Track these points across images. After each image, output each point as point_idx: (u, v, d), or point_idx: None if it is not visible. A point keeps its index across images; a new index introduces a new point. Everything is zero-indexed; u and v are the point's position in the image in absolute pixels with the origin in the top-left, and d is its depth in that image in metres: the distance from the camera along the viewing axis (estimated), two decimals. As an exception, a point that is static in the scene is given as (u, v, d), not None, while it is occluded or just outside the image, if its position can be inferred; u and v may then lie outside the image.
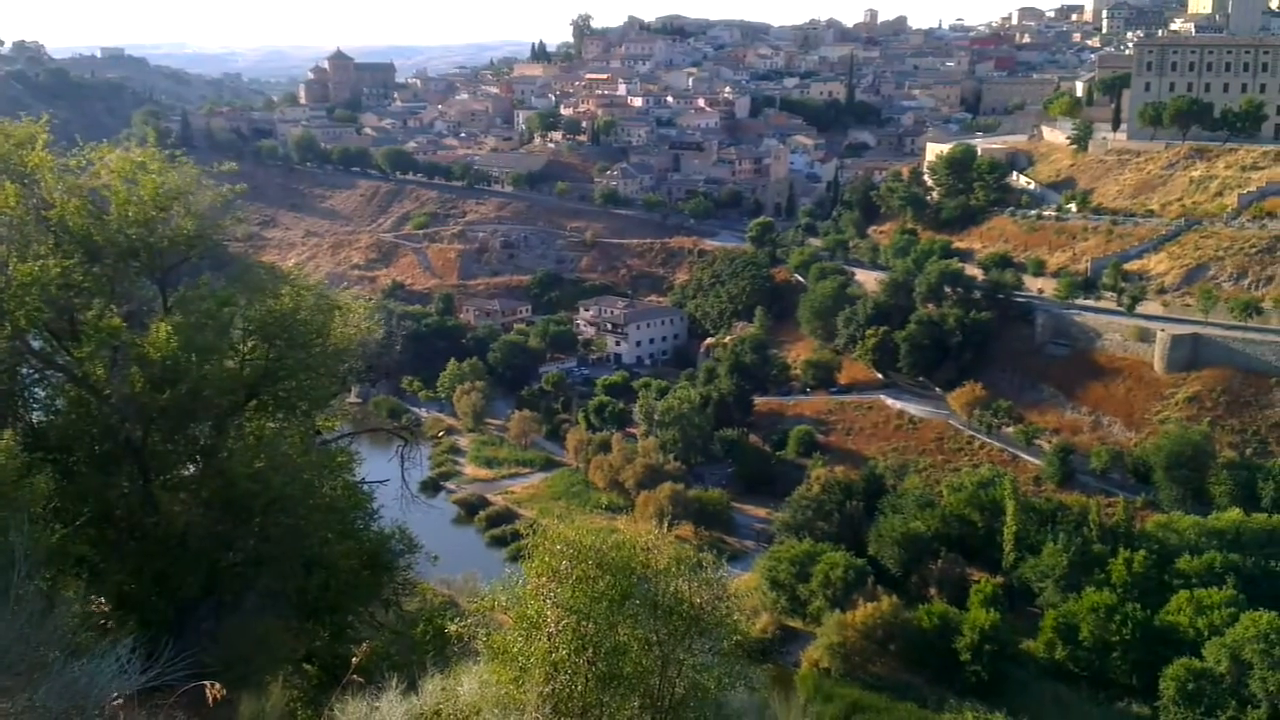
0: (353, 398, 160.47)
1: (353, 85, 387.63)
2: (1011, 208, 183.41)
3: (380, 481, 28.32)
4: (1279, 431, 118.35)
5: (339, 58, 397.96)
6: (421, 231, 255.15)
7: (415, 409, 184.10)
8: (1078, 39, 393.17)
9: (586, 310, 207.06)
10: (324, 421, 28.77)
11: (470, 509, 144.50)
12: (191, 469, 24.72)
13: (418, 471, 34.39)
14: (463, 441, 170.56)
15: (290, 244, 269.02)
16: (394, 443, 33.02)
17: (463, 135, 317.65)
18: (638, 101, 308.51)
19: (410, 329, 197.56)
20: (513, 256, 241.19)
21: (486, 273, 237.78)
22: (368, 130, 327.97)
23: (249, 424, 25.06)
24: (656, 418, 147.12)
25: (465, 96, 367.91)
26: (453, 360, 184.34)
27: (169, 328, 22.29)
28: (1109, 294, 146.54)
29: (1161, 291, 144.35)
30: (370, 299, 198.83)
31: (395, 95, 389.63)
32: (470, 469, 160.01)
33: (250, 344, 24.52)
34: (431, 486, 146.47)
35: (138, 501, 23.16)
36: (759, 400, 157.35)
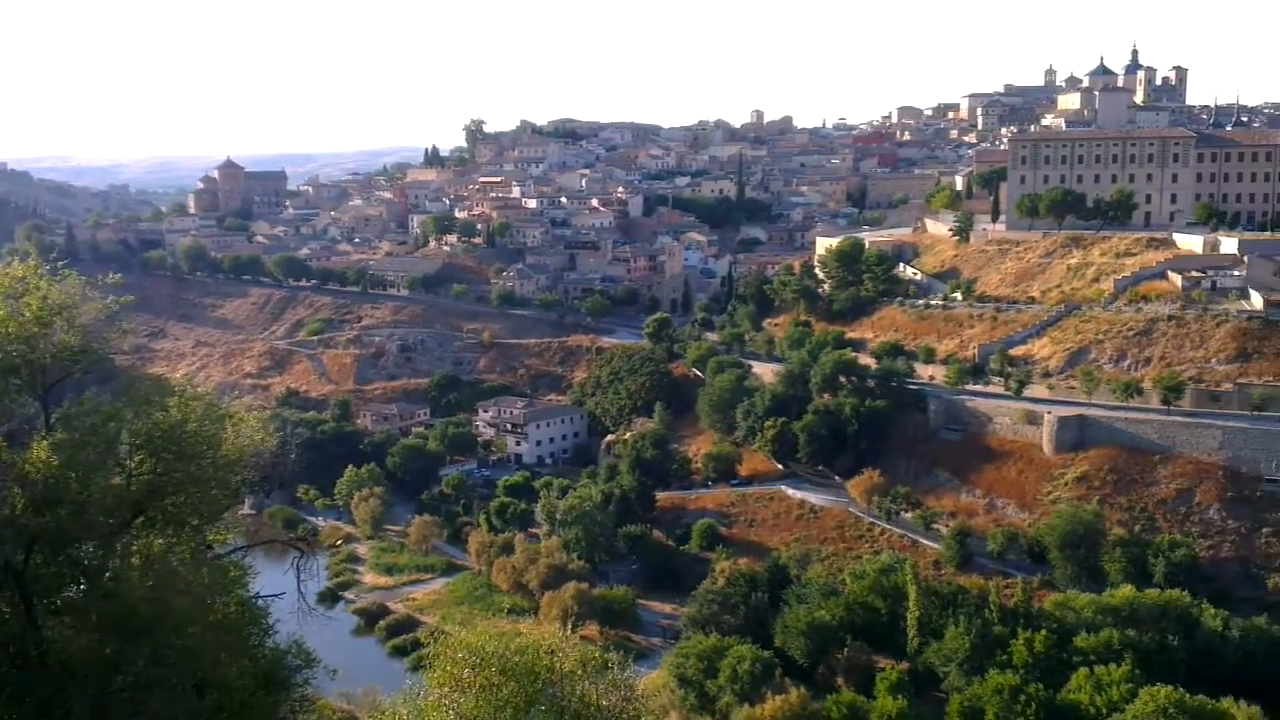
0: (246, 509, 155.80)
1: (243, 193, 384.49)
2: (900, 298, 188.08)
3: (276, 595, 27.62)
4: (1165, 508, 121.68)
5: (229, 166, 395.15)
6: (316, 338, 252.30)
7: (312, 518, 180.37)
8: (955, 135, 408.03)
9: (486, 411, 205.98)
10: (216, 536, 28.05)
11: (370, 618, 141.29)
12: (77, 591, 23.87)
13: (315, 583, 33.63)
14: (362, 549, 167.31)
15: (180, 355, 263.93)
16: (290, 554, 32.31)
17: (357, 240, 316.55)
18: (532, 203, 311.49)
19: (306, 437, 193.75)
20: (410, 360, 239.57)
21: (384, 377, 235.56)
22: (259, 238, 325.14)
23: (137, 542, 24.35)
24: (559, 517, 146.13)
25: (359, 202, 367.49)
26: (350, 467, 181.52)
27: (50, 445, 21.69)
28: (997, 379, 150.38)
29: (1046, 375, 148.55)
30: (263, 408, 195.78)
31: (287, 202, 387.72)
32: (370, 577, 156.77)
33: (137, 459, 23.93)
34: (330, 597, 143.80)
35: (19, 628, 22.26)
36: (661, 495, 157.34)
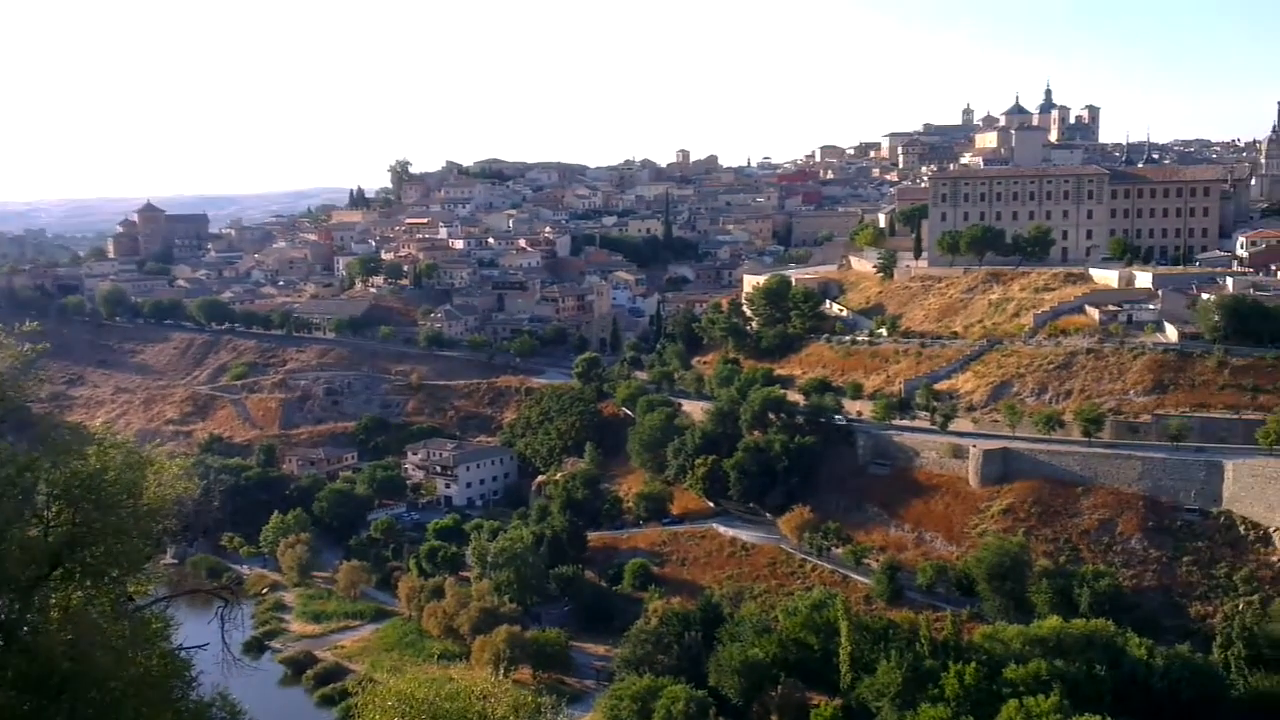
0: (168, 559, 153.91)
1: (164, 237, 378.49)
2: (827, 334, 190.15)
3: (199, 646, 27.02)
4: (1089, 538, 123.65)
5: (149, 210, 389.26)
6: (240, 382, 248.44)
7: (237, 566, 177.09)
8: (877, 174, 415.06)
9: (414, 454, 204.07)
10: (137, 587, 27.40)
11: (298, 667, 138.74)
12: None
13: (240, 632, 32.99)
14: (288, 597, 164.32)
15: (99, 402, 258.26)
16: (214, 604, 31.65)
17: (281, 283, 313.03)
18: (459, 244, 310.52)
19: (230, 483, 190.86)
20: (336, 403, 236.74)
21: (310, 421, 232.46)
22: (181, 282, 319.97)
23: (55, 595, 23.71)
24: (490, 559, 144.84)
25: (283, 244, 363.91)
26: (276, 513, 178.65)
27: (-36, 499, 21.11)
28: (923, 413, 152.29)
29: (971, 409, 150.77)
30: (186, 454, 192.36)
31: (209, 246, 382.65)
32: (297, 625, 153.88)
33: (55, 509, 23.36)
34: (256, 647, 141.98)
35: (-69, 687, 21.52)
36: (593, 535, 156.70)
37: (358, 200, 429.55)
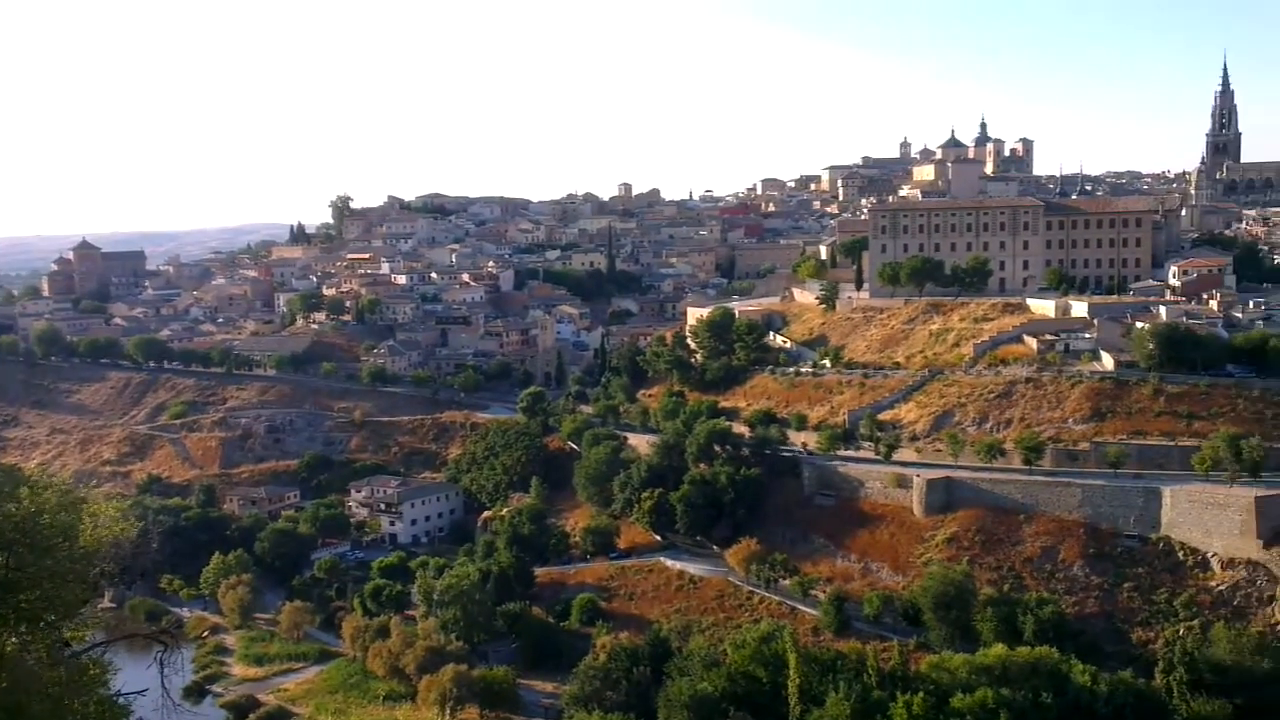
0: (106, 603, 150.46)
1: (100, 275, 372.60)
2: (771, 366, 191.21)
3: (139, 692, 26.53)
4: (1031, 566, 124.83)
5: (85, 247, 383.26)
6: (179, 421, 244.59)
7: (177, 609, 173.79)
8: (817, 206, 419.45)
9: (358, 491, 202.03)
10: (73, 632, 26.86)
11: (240, 712, 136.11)
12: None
13: (180, 677, 32.39)
14: (230, 640, 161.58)
15: (34, 443, 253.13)
16: (153, 648, 31.05)
17: (221, 320, 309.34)
18: (401, 279, 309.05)
19: (169, 525, 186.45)
20: (278, 441, 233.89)
21: (251, 460, 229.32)
22: (118, 320, 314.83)
23: (-12, 641, 23.18)
24: (436, 597, 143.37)
25: (222, 281, 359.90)
26: (217, 554, 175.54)
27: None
28: (867, 444, 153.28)
29: (914, 439, 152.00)
30: (123, 496, 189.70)
31: (147, 283, 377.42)
32: (239, 669, 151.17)
33: (-12, 554, 22.87)
34: (196, 692, 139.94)
35: None
36: (540, 571, 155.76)
37: (298, 236, 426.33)
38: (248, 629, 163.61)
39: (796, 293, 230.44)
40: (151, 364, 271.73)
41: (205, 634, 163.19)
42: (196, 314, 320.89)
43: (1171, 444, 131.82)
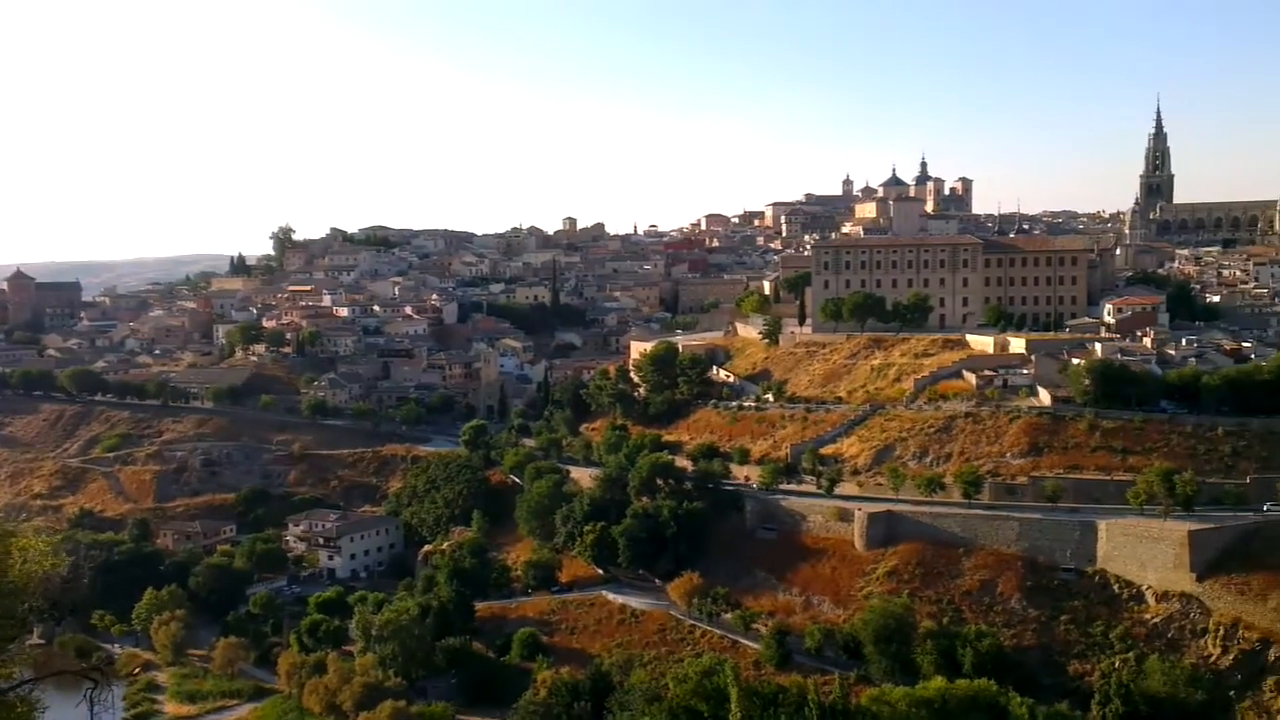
0: (35, 639, 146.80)
1: (34, 306, 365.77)
2: (714, 400, 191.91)
3: (66, 730, 25.95)
4: (970, 599, 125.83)
5: (19, 278, 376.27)
6: (113, 454, 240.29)
7: (108, 645, 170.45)
8: (761, 242, 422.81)
9: (296, 525, 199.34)
10: (0, 669, 26.28)
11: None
12: None
13: (111, 715, 31.72)
14: (162, 677, 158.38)
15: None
16: (83, 685, 30.41)
17: (158, 352, 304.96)
18: (344, 311, 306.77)
19: (101, 559, 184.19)
20: (215, 474, 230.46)
21: (186, 493, 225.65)
22: (51, 352, 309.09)
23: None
24: (374, 632, 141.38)
25: (160, 312, 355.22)
26: (150, 589, 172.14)
27: None
28: (809, 478, 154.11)
29: (855, 473, 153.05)
30: (54, 530, 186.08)
31: (83, 314, 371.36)
32: (171, 706, 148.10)
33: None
34: None
35: None
36: (481, 605, 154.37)
37: (239, 267, 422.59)
38: (181, 666, 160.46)
39: (740, 327, 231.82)
40: (85, 396, 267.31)
41: (137, 671, 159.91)
42: (133, 345, 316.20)
43: (1107, 478, 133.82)
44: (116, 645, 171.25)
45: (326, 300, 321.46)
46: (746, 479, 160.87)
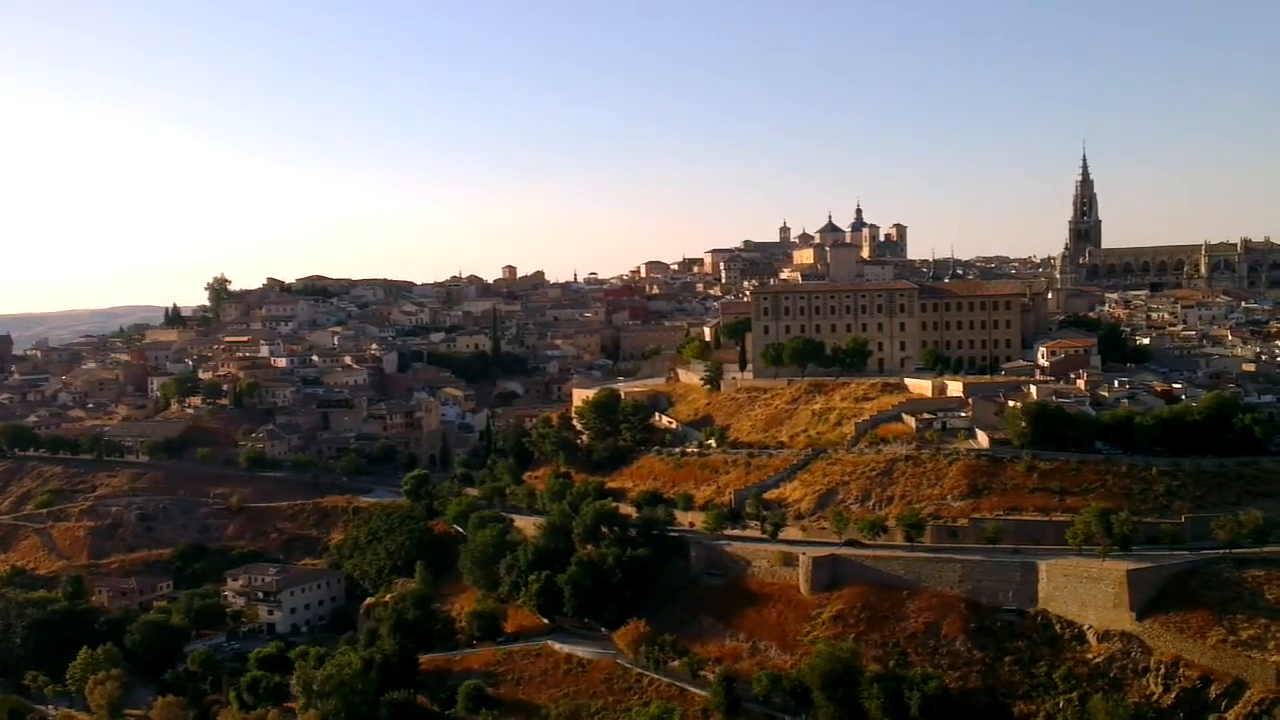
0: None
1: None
2: (657, 446, 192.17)
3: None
4: (915, 641, 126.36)
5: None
6: (45, 510, 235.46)
7: (41, 706, 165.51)
8: (700, 288, 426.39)
9: (235, 580, 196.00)
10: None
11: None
12: None
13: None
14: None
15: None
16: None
17: (90, 405, 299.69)
18: (282, 362, 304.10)
19: (33, 617, 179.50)
20: (151, 529, 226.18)
21: (122, 549, 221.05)
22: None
23: None
24: (316, 688, 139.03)
25: (93, 365, 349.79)
26: (84, 648, 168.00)
27: None
28: (753, 522, 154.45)
29: (799, 517, 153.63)
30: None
31: (13, 368, 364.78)
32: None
33: None
34: None
35: None
36: (425, 658, 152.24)
37: (174, 318, 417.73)
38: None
39: (681, 374, 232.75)
40: (16, 451, 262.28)
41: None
42: (65, 399, 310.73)
43: (1046, 519, 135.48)
44: (50, 706, 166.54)
45: (264, 351, 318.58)
46: (691, 525, 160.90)
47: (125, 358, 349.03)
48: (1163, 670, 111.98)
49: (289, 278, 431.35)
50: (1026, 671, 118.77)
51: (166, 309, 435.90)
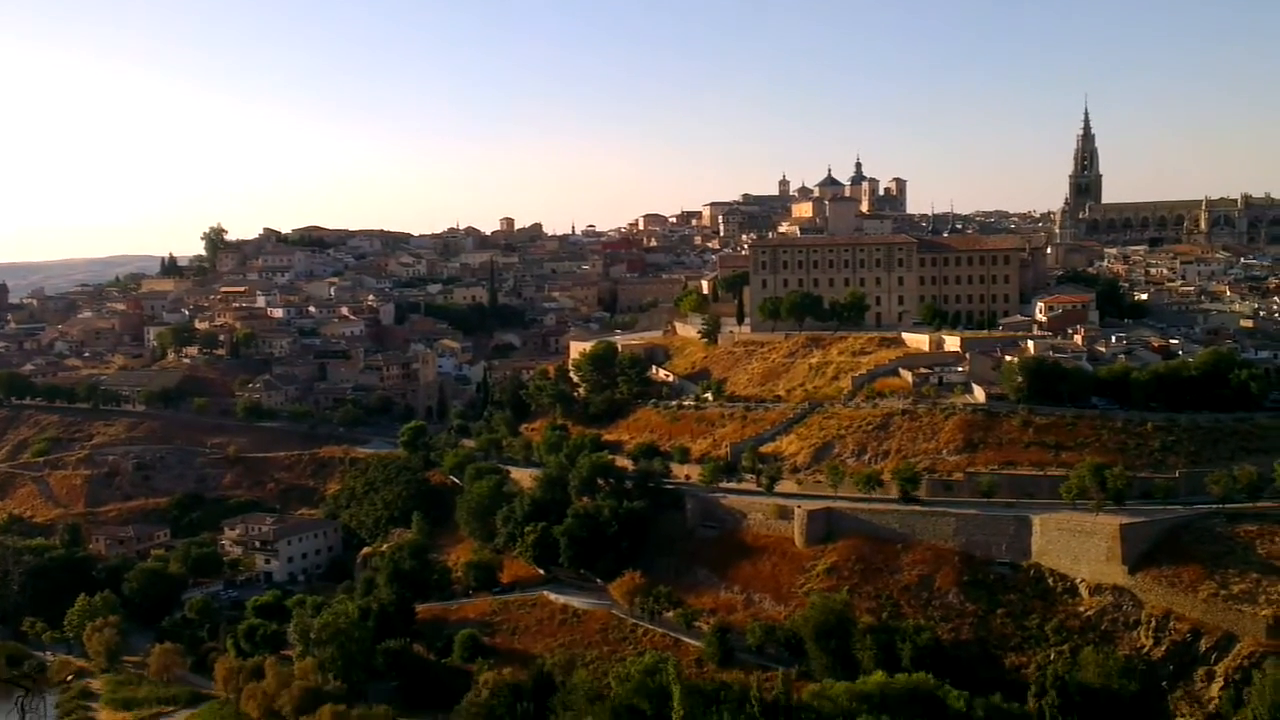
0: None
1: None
2: (654, 399, 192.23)
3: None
4: (909, 594, 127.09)
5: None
6: (42, 459, 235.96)
7: (39, 653, 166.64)
8: (699, 242, 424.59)
9: (232, 529, 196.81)
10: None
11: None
12: None
13: (46, 721, 31.19)
14: (95, 684, 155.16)
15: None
16: (14, 693, 29.88)
17: (87, 355, 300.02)
18: (278, 312, 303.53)
19: (31, 565, 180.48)
20: (148, 478, 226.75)
21: (119, 498, 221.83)
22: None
23: None
24: (313, 636, 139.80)
25: (89, 314, 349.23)
26: (82, 595, 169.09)
27: None
28: (749, 476, 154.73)
29: (795, 470, 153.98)
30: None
31: (10, 316, 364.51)
32: (105, 714, 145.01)
33: None
34: None
35: None
36: (421, 607, 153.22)
37: (170, 268, 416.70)
38: (115, 672, 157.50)
39: (679, 327, 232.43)
40: (13, 400, 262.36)
41: (69, 678, 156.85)
42: (61, 348, 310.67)
43: (1040, 474, 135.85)
44: (48, 652, 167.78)
45: (261, 301, 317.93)
46: (687, 477, 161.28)
47: (121, 307, 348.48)
48: (1153, 623, 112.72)
49: (285, 228, 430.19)
50: (1018, 624, 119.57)
51: (163, 259, 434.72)
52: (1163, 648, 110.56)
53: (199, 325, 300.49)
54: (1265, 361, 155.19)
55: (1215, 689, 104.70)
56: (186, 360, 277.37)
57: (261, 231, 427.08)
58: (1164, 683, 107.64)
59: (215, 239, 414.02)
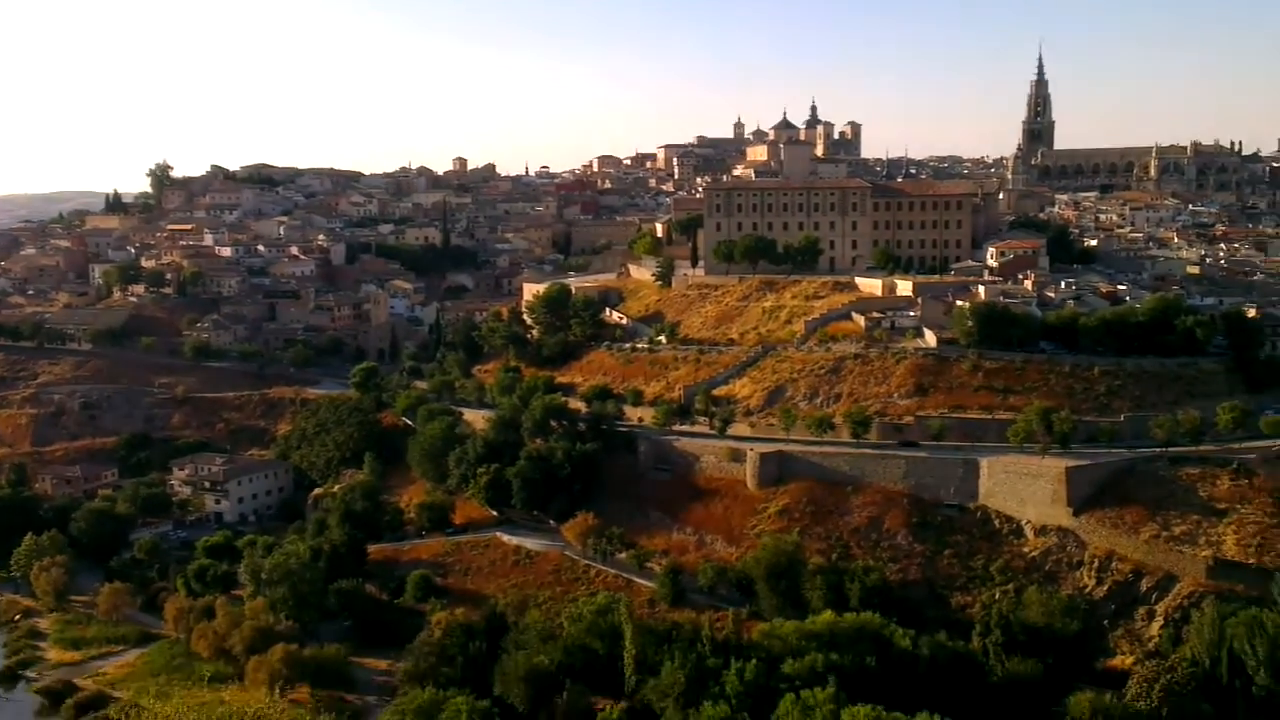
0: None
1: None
2: (608, 342, 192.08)
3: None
4: (859, 535, 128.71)
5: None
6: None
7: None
8: (653, 184, 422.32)
9: (181, 469, 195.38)
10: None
11: (55, 697, 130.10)
12: None
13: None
14: (44, 624, 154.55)
15: None
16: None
17: (30, 292, 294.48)
18: (227, 251, 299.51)
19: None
20: (94, 418, 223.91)
21: (65, 437, 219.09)
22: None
23: None
24: (264, 576, 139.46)
25: (32, 251, 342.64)
26: (29, 535, 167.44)
27: None
28: (702, 419, 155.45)
29: (748, 413, 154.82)
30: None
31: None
32: (54, 653, 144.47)
33: None
34: (9, 677, 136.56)
35: None
36: (373, 548, 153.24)
37: (115, 205, 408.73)
38: (63, 612, 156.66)
39: (633, 269, 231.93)
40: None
41: (17, 618, 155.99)
42: (4, 285, 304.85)
43: (989, 417, 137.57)
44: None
45: (208, 240, 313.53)
46: (640, 420, 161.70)
47: (65, 244, 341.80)
48: (1096, 564, 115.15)
49: (233, 165, 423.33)
50: (964, 564, 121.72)
51: (107, 195, 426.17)
52: (1105, 587, 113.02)
53: (145, 263, 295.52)
54: (1211, 308, 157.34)
55: (1155, 628, 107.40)
56: (133, 299, 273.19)
57: (209, 169, 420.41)
58: (1105, 621, 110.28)
59: (161, 175, 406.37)
